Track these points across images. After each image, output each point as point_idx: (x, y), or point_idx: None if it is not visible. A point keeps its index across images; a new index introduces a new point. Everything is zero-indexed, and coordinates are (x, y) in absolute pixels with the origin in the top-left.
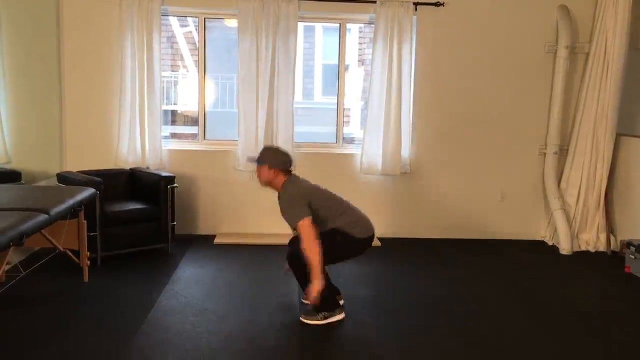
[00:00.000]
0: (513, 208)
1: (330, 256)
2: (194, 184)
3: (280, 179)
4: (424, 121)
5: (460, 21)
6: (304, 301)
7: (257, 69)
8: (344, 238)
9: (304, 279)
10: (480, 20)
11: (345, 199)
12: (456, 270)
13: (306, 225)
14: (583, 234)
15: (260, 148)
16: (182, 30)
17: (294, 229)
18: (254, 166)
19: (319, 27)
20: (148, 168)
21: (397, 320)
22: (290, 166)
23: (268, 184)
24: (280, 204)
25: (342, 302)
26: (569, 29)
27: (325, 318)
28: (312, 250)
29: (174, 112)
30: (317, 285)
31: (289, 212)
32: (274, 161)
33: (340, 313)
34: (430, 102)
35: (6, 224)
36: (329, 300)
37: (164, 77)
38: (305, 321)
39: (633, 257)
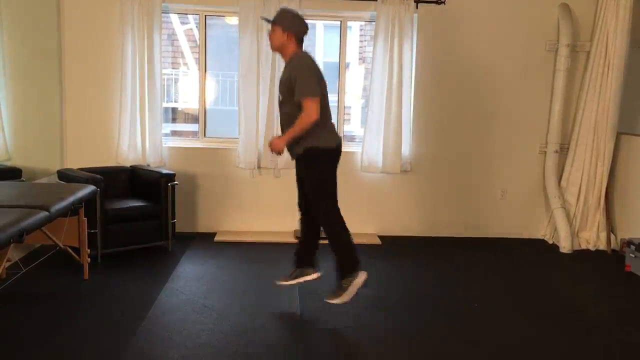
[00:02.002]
0: (513, 206)
1: (328, 180)
2: (194, 182)
3: (292, 46)
4: (424, 119)
5: (461, 19)
6: (328, 301)
7: (257, 66)
8: (325, 154)
9: (341, 261)
10: (480, 18)
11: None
12: (456, 268)
13: (315, 106)
14: (583, 233)
15: (261, 146)
16: (182, 27)
17: (297, 100)
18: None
19: (319, 24)
20: (148, 165)
21: (396, 318)
22: (305, 35)
23: (279, 48)
24: (289, 69)
25: (313, 277)
26: (569, 27)
27: (346, 285)
28: (305, 123)
29: (174, 110)
30: (283, 141)
31: (301, 80)
32: (288, 24)
33: (362, 271)
34: (430, 100)
35: (6, 221)
36: (350, 259)
37: (164, 74)
38: (331, 302)
39: (633, 255)
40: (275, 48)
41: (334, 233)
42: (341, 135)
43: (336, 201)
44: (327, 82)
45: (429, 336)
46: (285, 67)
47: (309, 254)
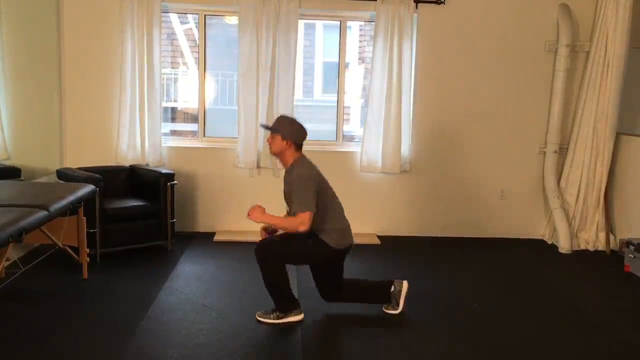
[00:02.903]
0: (512, 206)
1: (294, 253)
2: (194, 181)
3: (292, 153)
4: (423, 119)
5: (461, 19)
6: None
7: (257, 66)
8: (315, 242)
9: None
10: (480, 18)
11: (338, 200)
12: (455, 268)
13: (307, 219)
14: (582, 233)
15: (260, 145)
16: (182, 26)
17: (293, 213)
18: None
19: (319, 24)
20: (147, 165)
21: (395, 318)
22: (304, 139)
23: (278, 154)
24: (287, 180)
25: (300, 317)
26: (569, 27)
27: (278, 318)
28: (292, 228)
29: (173, 109)
30: (263, 218)
31: (299, 194)
32: (288, 132)
33: (296, 315)
34: (430, 100)
35: (5, 220)
36: (283, 301)
37: (164, 73)
38: (259, 319)
39: (632, 255)
40: (274, 153)
41: (271, 280)
42: (341, 135)
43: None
44: (328, 184)
45: (428, 336)
46: (285, 174)
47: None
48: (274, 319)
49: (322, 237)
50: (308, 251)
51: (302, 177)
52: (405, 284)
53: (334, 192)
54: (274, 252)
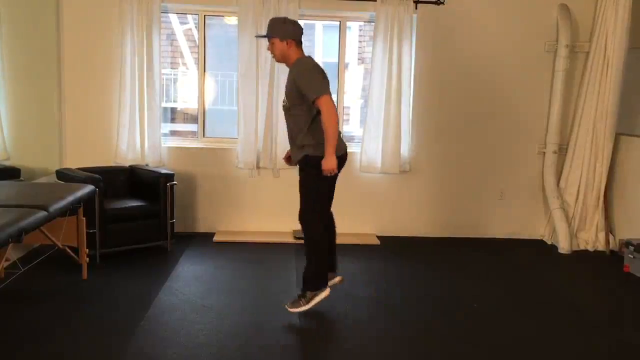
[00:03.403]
0: (512, 206)
1: (325, 188)
2: (193, 182)
3: (294, 51)
4: (423, 119)
5: (460, 19)
6: (287, 308)
7: (256, 66)
8: (319, 165)
9: (308, 249)
10: (480, 19)
11: None
12: (455, 268)
13: (329, 102)
14: (582, 233)
15: (260, 146)
16: (181, 27)
17: (312, 101)
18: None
19: (318, 24)
20: (147, 165)
21: (395, 318)
22: (302, 34)
23: (283, 58)
24: (294, 74)
25: (337, 279)
26: (568, 27)
27: (308, 301)
28: (332, 123)
29: (173, 110)
30: (331, 160)
31: (309, 80)
32: (284, 32)
33: (323, 290)
34: (429, 100)
35: (5, 221)
36: (318, 274)
37: (164, 74)
38: (290, 310)
39: (632, 256)
40: (279, 59)
41: (312, 239)
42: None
43: (325, 210)
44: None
45: (429, 336)
46: (289, 71)
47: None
48: (304, 305)
49: (322, 153)
50: (322, 178)
51: (307, 65)
52: (326, 292)
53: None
54: (308, 209)
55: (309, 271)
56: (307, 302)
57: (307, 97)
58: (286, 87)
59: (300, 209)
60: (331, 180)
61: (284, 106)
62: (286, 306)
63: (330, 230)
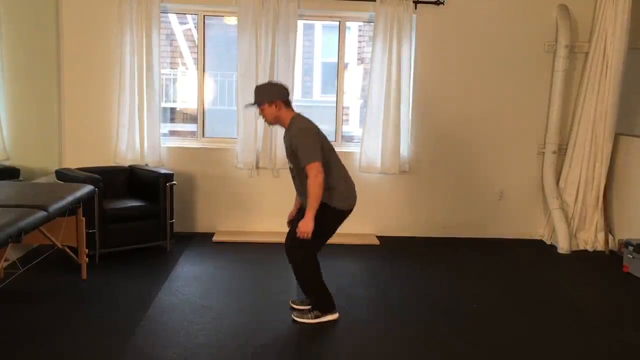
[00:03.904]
0: (511, 207)
1: (322, 236)
2: (193, 182)
3: (285, 112)
4: (422, 119)
5: (460, 20)
6: (293, 305)
7: (256, 66)
8: (332, 214)
9: (305, 284)
10: (479, 19)
11: (341, 162)
12: (454, 268)
13: (318, 168)
14: (581, 233)
15: (259, 146)
16: (181, 27)
17: (302, 167)
18: (255, 109)
19: (318, 24)
20: (147, 165)
21: (395, 318)
22: (288, 95)
23: (275, 120)
24: (288, 138)
25: (335, 316)
26: (568, 28)
27: (317, 317)
28: (316, 192)
29: (172, 110)
30: (309, 222)
31: (303, 146)
32: (270, 95)
33: (333, 313)
34: (429, 100)
35: (4, 221)
36: (323, 300)
37: (163, 74)
38: (297, 319)
39: (631, 256)
40: (272, 122)
41: (306, 270)
42: (340, 135)
43: (316, 251)
44: (329, 143)
45: (428, 336)
46: (285, 133)
47: None
48: (311, 319)
49: (330, 202)
50: (325, 226)
51: (302, 130)
52: (335, 315)
53: (336, 154)
54: (301, 247)
55: (315, 301)
56: (315, 318)
57: (300, 162)
58: (286, 149)
59: (291, 245)
60: (332, 232)
61: (290, 168)
62: (294, 315)
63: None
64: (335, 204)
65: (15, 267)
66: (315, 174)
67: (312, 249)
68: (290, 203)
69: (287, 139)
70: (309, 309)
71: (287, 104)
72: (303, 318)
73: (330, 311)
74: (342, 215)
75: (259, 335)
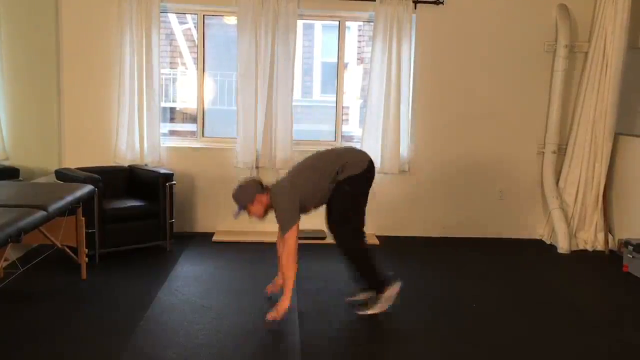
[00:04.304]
0: (511, 206)
1: (353, 206)
2: (193, 181)
3: (264, 199)
4: (422, 119)
5: (459, 19)
6: (352, 300)
7: (256, 66)
8: (349, 182)
9: (364, 273)
10: (479, 19)
11: (324, 151)
12: (454, 268)
13: (292, 234)
14: (581, 233)
15: (259, 146)
16: (180, 27)
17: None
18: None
19: (318, 24)
20: (146, 165)
21: (395, 318)
22: (261, 184)
23: (265, 211)
24: (275, 212)
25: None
26: (568, 28)
27: (384, 300)
28: (290, 264)
29: (172, 109)
30: (286, 302)
31: (282, 217)
32: (247, 195)
33: (395, 283)
34: (428, 100)
35: (4, 220)
36: (379, 278)
37: (163, 74)
38: (363, 313)
39: (631, 256)
40: (263, 214)
41: (359, 255)
42: (339, 135)
43: (361, 223)
44: (306, 161)
45: (428, 336)
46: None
47: None
48: (380, 304)
49: (350, 174)
50: (357, 193)
51: (281, 202)
52: (398, 284)
53: (315, 166)
54: (346, 228)
55: (373, 281)
56: (384, 302)
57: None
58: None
59: (337, 224)
60: (365, 195)
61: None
62: (359, 313)
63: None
64: (355, 171)
65: (15, 267)
66: (290, 242)
67: (355, 225)
68: None
69: (275, 213)
70: (370, 297)
71: (262, 190)
72: (371, 309)
73: (392, 284)
74: (366, 172)
75: (259, 335)
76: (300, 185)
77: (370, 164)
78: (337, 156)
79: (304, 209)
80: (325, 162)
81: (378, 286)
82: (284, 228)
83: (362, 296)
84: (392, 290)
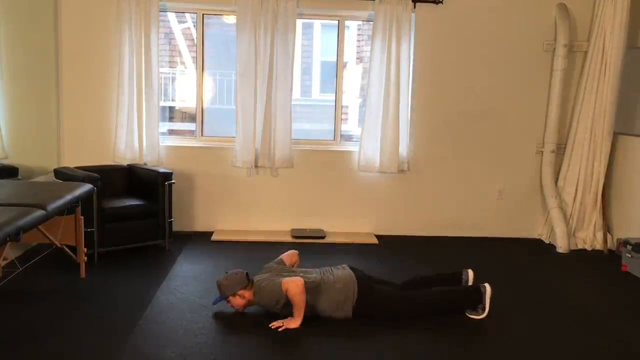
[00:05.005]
0: (510, 206)
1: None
2: (191, 181)
3: (247, 294)
4: (421, 118)
5: (459, 19)
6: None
7: (255, 65)
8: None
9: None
10: (478, 18)
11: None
12: (453, 267)
13: (295, 285)
14: (580, 232)
15: (258, 145)
16: (180, 26)
17: (285, 295)
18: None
19: (317, 23)
20: (145, 164)
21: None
22: (247, 277)
23: (245, 306)
24: (260, 302)
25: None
26: (567, 27)
27: (483, 309)
28: (299, 296)
29: (171, 108)
30: (295, 324)
31: (269, 292)
32: (230, 288)
33: (484, 290)
34: (428, 99)
35: (3, 219)
36: (468, 298)
37: (162, 73)
38: (471, 316)
39: (629, 255)
40: (244, 308)
41: (422, 310)
42: (339, 134)
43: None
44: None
45: (428, 336)
46: (257, 303)
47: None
48: (482, 309)
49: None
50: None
51: (263, 287)
52: (488, 288)
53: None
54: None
55: (463, 304)
56: (484, 309)
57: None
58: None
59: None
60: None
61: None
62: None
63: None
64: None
65: (14, 265)
66: (292, 288)
67: (417, 308)
68: (289, 202)
69: (262, 304)
70: (475, 308)
71: (247, 285)
72: (475, 315)
73: (481, 294)
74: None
75: (258, 334)
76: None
77: (354, 278)
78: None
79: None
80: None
81: (472, 303)
82: (283, 289)
83: (474, 315)
84: (487, 294)
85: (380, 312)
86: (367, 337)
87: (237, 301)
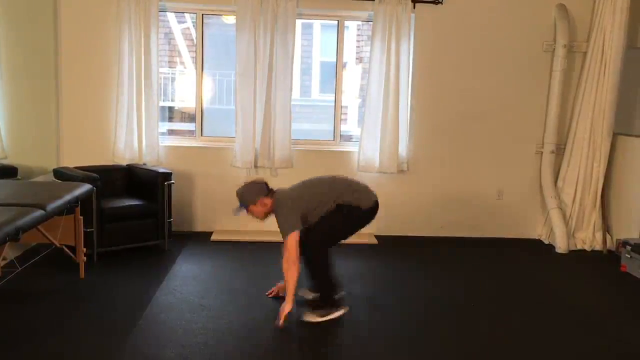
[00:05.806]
0: (509, 206)
1: (338, 230)
2: (191, 181)
3: (268, 202)
4: (421, 119)
5: (458, 19)
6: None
7: (254, 65)
8: (349, 210)
9: (316, 277)
10: (478, 18)
11: (339, 175)
12: (452, 268)
13: (293, 240)
14: (579, 233)
15: (258, 145)
16: (179, 26)
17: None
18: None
19: (317, 24)
20: (145, 164)
21: (393, 318)
22: (267, 187)
23: (265, 215)
24: (277, 220)
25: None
26: (566, 27)
27: (323, 315)
28: (291, 270)
29: (171, 109)
30: (288, 307)
31: (283, 224)
32: (252, 196)
33: (339, 310)
34: (427, 99)
35: (2, 219)
36: (330, 298)
37: (161, 73)
38: (306, 319)
39: (629, 255)
40: (264, 217)
41: (320, 265)
42: (338, 134)
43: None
44: (314, 178)
45: (427, 336)
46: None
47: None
48: (319, 317)
49: (352, 203)
50: (348, 223)
51: (284, 210)
52: (342, 311)
53: (322, 183)
54: (317, 241)
55: (323, 295)
56: (324, 315)
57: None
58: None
59: (308, 247)
60: (354, 229)
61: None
62: (304, 317)
63: None
64: (358, 204)
65: (13, 265)
66: (291, 247)
67: (326, 245)
68: None
69: (277, 221)
70: (316, 307)
71: (267, 193)
72: (310, 317)
73: (339, 307)
74: (364, 213)
75: (257, 334)
76: (307, 199)
77: (376, 205)
78: (351, 184)
79: (305, 222)
80: (338, 184)
81: (326, 299)
82: (284, 234)
83: (310, 296)
84: (335, 312)
85: (310, 233)
86: (368, 340)
87: (258, 210)
